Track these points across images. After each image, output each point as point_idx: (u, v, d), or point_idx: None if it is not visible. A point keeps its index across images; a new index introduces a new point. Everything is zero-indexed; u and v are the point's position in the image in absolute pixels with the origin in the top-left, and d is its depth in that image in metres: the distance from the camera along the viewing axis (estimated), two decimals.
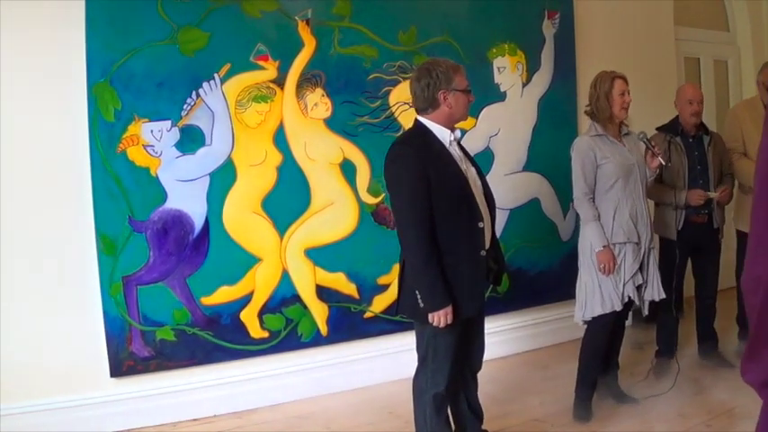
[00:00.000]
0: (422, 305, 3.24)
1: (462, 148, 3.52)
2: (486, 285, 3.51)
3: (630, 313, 4.46)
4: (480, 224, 3.34)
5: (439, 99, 3.31)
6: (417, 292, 3.25)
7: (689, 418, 4.15)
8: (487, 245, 3.43)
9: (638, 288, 4.21)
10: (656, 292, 4.25)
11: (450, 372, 3.40)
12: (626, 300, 4.15)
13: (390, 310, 4.90)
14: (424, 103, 3.34)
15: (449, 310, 3.21)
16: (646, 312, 4.35)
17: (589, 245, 4.14)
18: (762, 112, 4.95)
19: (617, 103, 4.12)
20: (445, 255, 3.26)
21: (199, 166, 4.40)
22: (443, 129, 3.36)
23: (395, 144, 3.42)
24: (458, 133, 3.44)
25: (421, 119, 3.41)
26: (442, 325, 3.21)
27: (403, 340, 4.98)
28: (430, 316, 3.22)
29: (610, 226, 4.11)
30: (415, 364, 4.42)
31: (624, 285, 4.12)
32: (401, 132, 4.84)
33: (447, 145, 3.36)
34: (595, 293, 4.15)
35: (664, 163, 4.19)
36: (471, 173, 3.46)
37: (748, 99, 5.50)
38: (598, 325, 4.19)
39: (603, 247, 4.07)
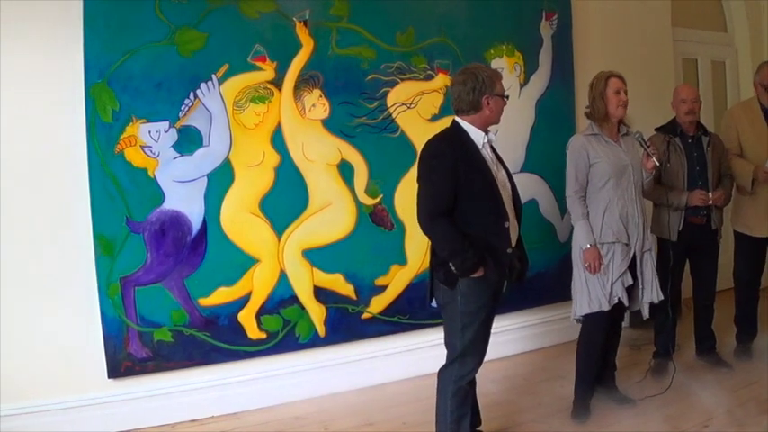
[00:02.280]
0: (455, 271, 3.38)
1: (494, 151, 3.64)
2: (507, 285, 3.66)
3: (628, 314, 4.45)
4: (506, 224, 3.46)
5: (482, 103, 3.47)
6: (450, 264, 3.39)
7: (686, 419, 4.15)
8: (513, 243, 3.55)
9: (630, 289, 4.21)
10: (654, 294, 4.25)
11: (479, 359, 3.56)
12: (615, 300, 4.15)
13: (388, 310, 4.92)
14: (468, 106, 3.50)
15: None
16: (646, 315, 4.34)
17: (579, 243, 4.18)
18: (758, 113, 4.95)
19: (612, 102, 4.14)
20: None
21: (196, 167, 4.40)
22: (478, 131, 3.51)
23: (432, 141, 3.54)
24: (491, 136, 3.57)
25: (459, 120, 3.55)
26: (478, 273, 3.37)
27: (401, 341, 5.01)
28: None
29: (599, 225, 4.13)
30: (413, 364, 4.45)
31: (612, 285, 4.13)
32: (399, 133, 4.92)
33: (480, 147, 3.49)
34: (583, 292, 4.18)
35: (658, 163, 4.19)
36: (501, 175, 3.58)
37: (745, 100, 5.49)
38: (591, 323, 4.22)
39: (590, 245, 4.10)
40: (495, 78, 3.51)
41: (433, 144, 3.50)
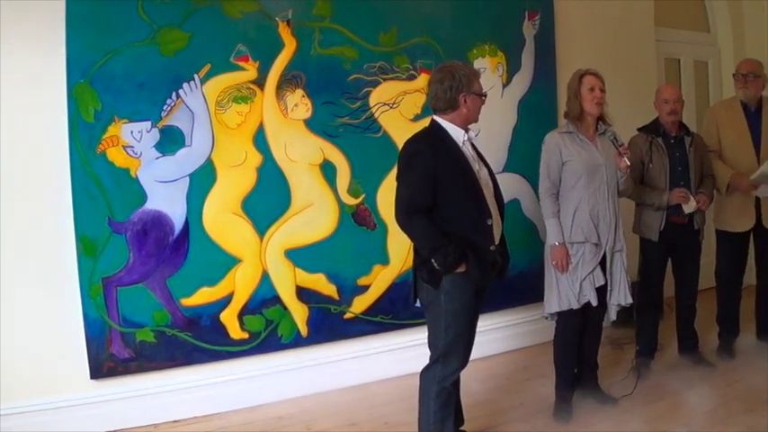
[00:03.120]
0: (438, 267, 3.36)
1: (475, 149, 3.64)
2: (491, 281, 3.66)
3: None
4: (489, 221, 3.46)
5: (459, 101, 3.46)
6: (433, 261, 3.36)
7: (669, 418, 4.18)
8: (497, 241, 3.55)
9: (601, 290, 4.21)
10: (622, 296, 4.27)
11: (462, 358, 3.56)
12: (585, 299, 4.17)
13: (370, 310, 4.92)
14: (445, 104, 3.49)
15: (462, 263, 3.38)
16: (613, 317, 4.37)
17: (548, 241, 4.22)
18: (739, 111, 4.98)
19: (586, 99, 4.16)
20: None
21: (179, 166, 4.39)
22: (458, 129, 3.51)
23: (411, 140, 3.54)
24: (472, 134, 3.57)
25: (437, 119, 3.54)
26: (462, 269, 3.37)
27: (383, 341, 5.02)
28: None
29: (569, 224, 4.16)
30: (395, 364, 4.43)
31: (581, 283, 4.14)
32: (381, 133, 4.92)
33: (460, 145, 3.48)
34: (552, 290, 4.22)
35: (629, 162, 4.17)
36: (483, 173, 3.58)
37: (727, 99, 5.53)
38: (563, 322, 4.27)
39: (558, 243, 4.14)
40: (473, 77, 3.50)
41: (411, 143, 3.50)
